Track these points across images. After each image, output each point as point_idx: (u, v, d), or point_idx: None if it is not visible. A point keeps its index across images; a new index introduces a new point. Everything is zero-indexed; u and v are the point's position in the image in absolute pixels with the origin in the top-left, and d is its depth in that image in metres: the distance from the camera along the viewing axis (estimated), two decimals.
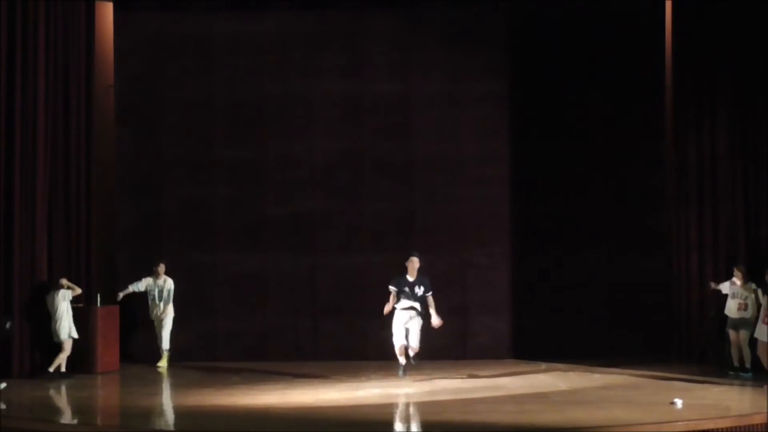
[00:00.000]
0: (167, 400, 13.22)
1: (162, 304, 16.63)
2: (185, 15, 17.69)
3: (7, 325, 15.03)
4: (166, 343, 16.64)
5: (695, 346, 16.21)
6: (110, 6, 17.45)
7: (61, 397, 13.73)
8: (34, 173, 15.49)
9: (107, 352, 15.99)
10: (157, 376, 15.57)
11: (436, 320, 14.72)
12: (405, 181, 17.65)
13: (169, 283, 16.73)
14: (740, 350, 14.87)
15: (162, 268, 16.71)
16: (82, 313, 15.82)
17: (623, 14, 17.36)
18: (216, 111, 17.72)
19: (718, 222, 16.14)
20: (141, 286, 16.62)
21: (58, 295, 15.24)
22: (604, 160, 17.42)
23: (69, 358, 15.34)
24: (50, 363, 15.14)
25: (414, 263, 14.77)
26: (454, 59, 17.62)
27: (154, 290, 16.64)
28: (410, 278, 14.74)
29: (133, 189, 17.70)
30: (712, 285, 15.40)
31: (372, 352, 16.45)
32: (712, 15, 16.16)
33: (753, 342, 14.67)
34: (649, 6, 17.21)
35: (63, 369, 15.18)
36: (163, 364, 16.51)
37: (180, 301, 17.38)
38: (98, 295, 16.08)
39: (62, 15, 16.08)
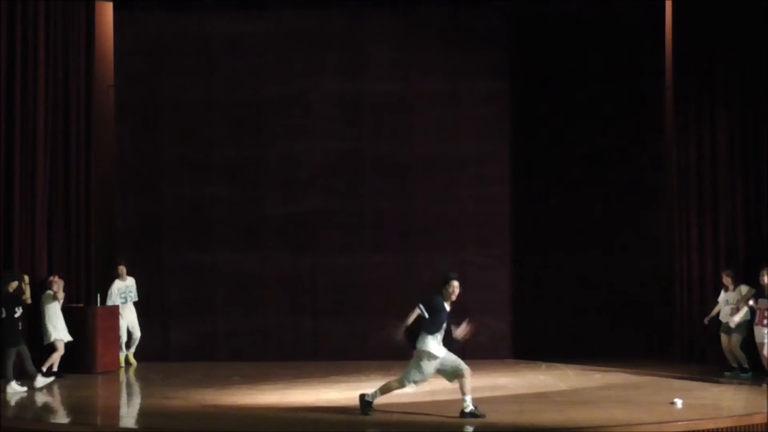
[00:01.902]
0: (167, 400, 13.21)
1: (129, 304, 16.60)
2: (185, 15, 17.70)
3: None
4: (134, 348, 16.75)
5: (695, 346, 16.21)
6: (110, 6, 17.48)
7: (62, 397, 13.72)
8: (34, 173, 15.50)
9: (107, 352, 15.99)
10: (157, 377, 15.56)
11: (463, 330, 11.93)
12: (405, 181, 17.65)
13: (131, 282, 16.72)
14: (733, 354, 14.85)
15: (123, 269, 16.64)
16: (82, 313, 15.84)
17: (623, 14, 17.37)
18: (216, 111, 17.72)
19: (718, 222, 16.13)
20: (114, 293, 16.55)
21: (44, 295, 15.17)
22: (604, 160, 17.42)
23: (66, 358, 15.30)
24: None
25: (455, 289, 11.66)
26: (454, 59, 17.62)
27: (123, 292, 16.61)
28: (448, 307, 11.75)
29: (133, 189, 17.72)
30: (712, 315, 15.30)
31: (372, 352, 16.44)
32: (712, 15, 16.15)
33: (746, 344, 14.66)
34: (649, 6, 17.22)
35: (55, 368, 15.06)
36: (133, 362, 16.65)
37: (180, 300, 17.43)
38: (98, 295, 16.09)
39: (62, 15, 16.09)
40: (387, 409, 12.22)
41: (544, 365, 16.15)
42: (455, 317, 17.19)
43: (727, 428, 11.20)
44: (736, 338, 14.76)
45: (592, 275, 17.23)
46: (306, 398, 13.22)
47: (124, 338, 16.58)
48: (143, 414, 12.95)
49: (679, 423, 11.18)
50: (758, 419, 11.43)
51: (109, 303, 16.39)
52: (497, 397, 13.23)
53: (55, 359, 15.10)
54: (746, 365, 14.74)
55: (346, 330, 17.30)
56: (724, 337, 14.95)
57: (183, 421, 11.77)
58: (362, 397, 11.90)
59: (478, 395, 13.37)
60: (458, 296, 11.72)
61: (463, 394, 11.64)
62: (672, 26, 16.75)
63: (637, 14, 17.37)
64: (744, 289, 14.78)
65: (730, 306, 14.90)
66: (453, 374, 11.73)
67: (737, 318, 14.63)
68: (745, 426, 11.30)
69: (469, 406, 11.61)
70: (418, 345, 11.62)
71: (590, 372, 15.38)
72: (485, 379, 14.93)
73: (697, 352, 16.14)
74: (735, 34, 15.96)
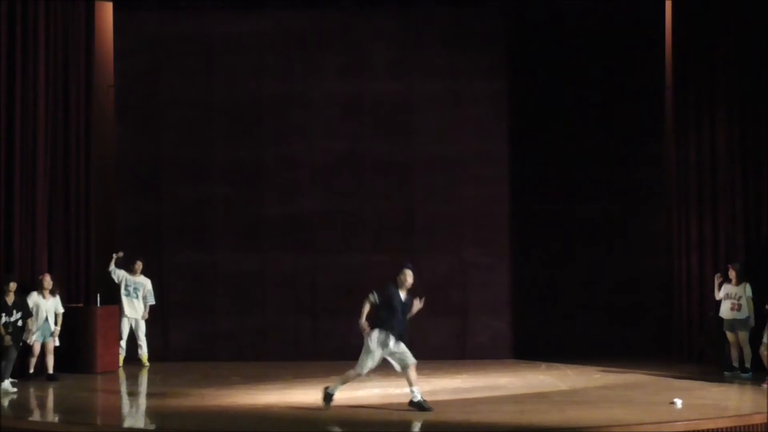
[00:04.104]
0: (167, 400, 13.21)
1: (140, 303, 16.57)
2: (185, 15, 17.70)
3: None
4: (145, 349, 16.65)
5: (695, 346, 16.22)
6: (110, 6, 17.49)
7: (62, 397, 13.73)
8: (34, 173, 15.50)
9: (107, 352, 15.99)
10: (157, 377, 15.57)
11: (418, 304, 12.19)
12: (405, 181, 17.66)
13: (148, 284, 16.69)
14: (740, 350, 14.88)
15: (139, 266, 16.60)
16: (82, 313, 15.84)
17: (623, 14, 17.38)
18: (216, 111, 17.72)
19: (718, 222, 16.14)
20: (118, 274, 16.46)
21: (34, 295, 15.01)
22: (604, 160, 17.42)
23: (66, 358, 15.28)
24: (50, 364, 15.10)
25: (408, 278, 12.22)
26: (454, 59, 17.62)
27: (130, 286, 16.55)
28: (402, 295, 12.22)
29: (133, 189, 17.71)
30: (717, 285, 15.37)
31: None
32: (712, 16, 16.17)
33: (752, 340, 14.71)
34: (649, 6, 17.23)
35: (31, 370, 14.95)
36: (147, 363, 16.57)
37: (180, 300, 17.43)
38: (98, 295, 16.08)
39: (62, 15, 16.09)
40: (387, 408, 12.23)
41: (544, 365, 16.15)
42: (457, 315, 17.37)
43: (727, 428, 11.20)
44: (743, 334, 14.79)
45: (592, 275, 17.23)
46: (306, 398, 13.20)
47: (124, 336, 16.53)
48: (143, 414, 12.95)
49: (679, 423, 11.18)
50: (758, 419, 11.44)
51: (111, 271, 16.33)
52: (497, 397, 13.24)
53: (50, 361, 15.07)
54: (748, 364, 14.75)
55: (346, 330, 17.25)
56: (729, 335, 14.96)
57: (183, 421, 11.78)
58: (325, 389, 12.21)
59: (478, 395, 13.42)
60: (412, 285, 12.20)
61: (410, 384, 12.10)
62: (672, 26, 16.76)
63: (637, 14, 17.37)
64: (748, 287, 14.82)
65: (731, 300, 14.92)
66: (401, 364, 12.12)
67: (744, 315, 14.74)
68: (745, 426, 11.30)
69: (417, 396, 12.08)
70: (370, 332, 12.09)
71: (590, 372, 15.38)
72: (485, 379, 14.95)
73: (697, 352, 16.15)
74: (735, 34, 15.97)
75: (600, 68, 17.43)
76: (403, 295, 12.22)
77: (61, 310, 15.17)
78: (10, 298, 14.47)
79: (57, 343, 15.11)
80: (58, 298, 15.17)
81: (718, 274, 15.37)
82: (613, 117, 17.40)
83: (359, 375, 12.22)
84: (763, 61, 15.74)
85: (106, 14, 17.45)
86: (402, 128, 17.66)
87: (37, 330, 14.85)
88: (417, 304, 12.23)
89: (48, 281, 15.07)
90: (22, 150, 15.40)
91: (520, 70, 17.62)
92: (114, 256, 16.35)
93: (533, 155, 17.53)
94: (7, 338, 14.27)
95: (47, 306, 15.02)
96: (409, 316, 12.24)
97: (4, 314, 14.32)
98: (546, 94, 17.51)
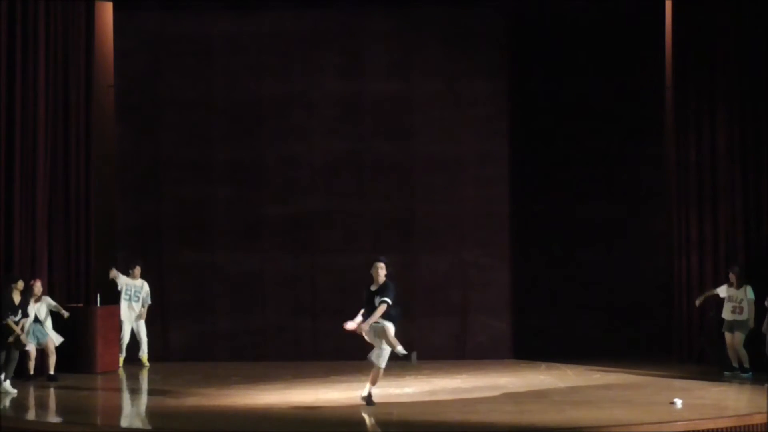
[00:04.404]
0: (167, 400, 13.22)
1: (138, 306, 16.57)
2: (185, 15, 17.70)
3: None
4: (145, 349, 16.65)
5: (695, 346, 16.22)
6: (110, 6, 17.48)
7: (62, 397, 13.73)
8: (34, 173, 15.49)
9: (107, 352, 15.99)
10: (157, 377, 15.58)
11: (353, 324, 12.43)
12: (405, 181, 17.66)
13: (146, 287, 16.68)
14: (737, 352, 14.88)
15: (138, 270, 16.60)
16: (82, 313, 15.84)
17: (623, 14, 17.38)
18: (216, 111, 17.72)
19: (718, 222, 16.14)
20: (120, 280, 16.46)
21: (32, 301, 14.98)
22: (604, 160, 17.42)
23: (66, 358, 15.27)
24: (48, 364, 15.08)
25: (378, 269, 12.39)
26: (454, 59, 17.61)
27: (131, 290, 16.54)
28: (372, 287, 12.44)
29: (133, 189, 17.72)
30: (706, 296, 15.39)
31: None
32: (712, 15, 16.16)
33: (749, 343, 14.71)
34: (649, 6, 17.23)
35: (31, 372, 14.87)
36: (147, 363, 16.57)
37: (180, 300, 17.42)
38: (98, 295, 16.08)
39: (62, 15, 16.08)
40: (387, 408, 12.23)
41: (544, 365, 16.15)
42: (457, 315, 17.37)
43: (727, 428, 11.21)
44: (740, 336, 14.80)
45: (592, 275, 17.23)
46: (306, 398, 13.22)
47: (125, 339, 16.52)
48: (143, 414, 12.96)
49: (679, 423, 11.19)
50: (758, 419, 11.44)
51: (116, 281, 16.29)
52: (497, 397, 13.24)
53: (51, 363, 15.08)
54: (747, 365, 14.76)
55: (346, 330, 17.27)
56: (727, 335, 14.97)
57: (183, 421, 11.79)
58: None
59: (477, 395, 13.42)
60: (380, 276, 12.39)
61: (370, 382, 12.47)
62: (672, 26, 16.75)
63: (637, 14, 17.37)
64: (749, 290, 14.82)
65: (733, 303, 14.92)
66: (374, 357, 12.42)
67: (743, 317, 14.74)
68: (745, 426, 11.31)
69: (366, 394, 12.49)
70: None
71: (590, 372, 15.39)
72: (485, 379, 14.96)
73: (697, 352, 16.15)
74: (735, 34, 15.97)
75: (600, 68, 17.43)
76: (373, 287, 12.38)
77: (53, 302, 15.16)
78: (17, 297, 14.46)
79: (61, 322, 15.11)
80: (46, 297, 15.14)
81: (697, 302, 15.46)
82: (613, 117, 17.40)
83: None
84: (763, 61, 15.74)
85: (106, 14, 17.44)
86: (402, 128, 17.66)
87: (28, 332, 14.81)
88: (358, 322, 12.34)
89: (38, 287, 14.99)
90: (22, 150, 15.39)
91: (520, 70, 17.62)
92: (113, 270, 16.29)
93: (533, 155, 17.53)
94: (23, 336, 14.31)
95: (35, 308, 14.95)
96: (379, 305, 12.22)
97: (10, 313, 14.30)
98: (546, 94, 17.51)
